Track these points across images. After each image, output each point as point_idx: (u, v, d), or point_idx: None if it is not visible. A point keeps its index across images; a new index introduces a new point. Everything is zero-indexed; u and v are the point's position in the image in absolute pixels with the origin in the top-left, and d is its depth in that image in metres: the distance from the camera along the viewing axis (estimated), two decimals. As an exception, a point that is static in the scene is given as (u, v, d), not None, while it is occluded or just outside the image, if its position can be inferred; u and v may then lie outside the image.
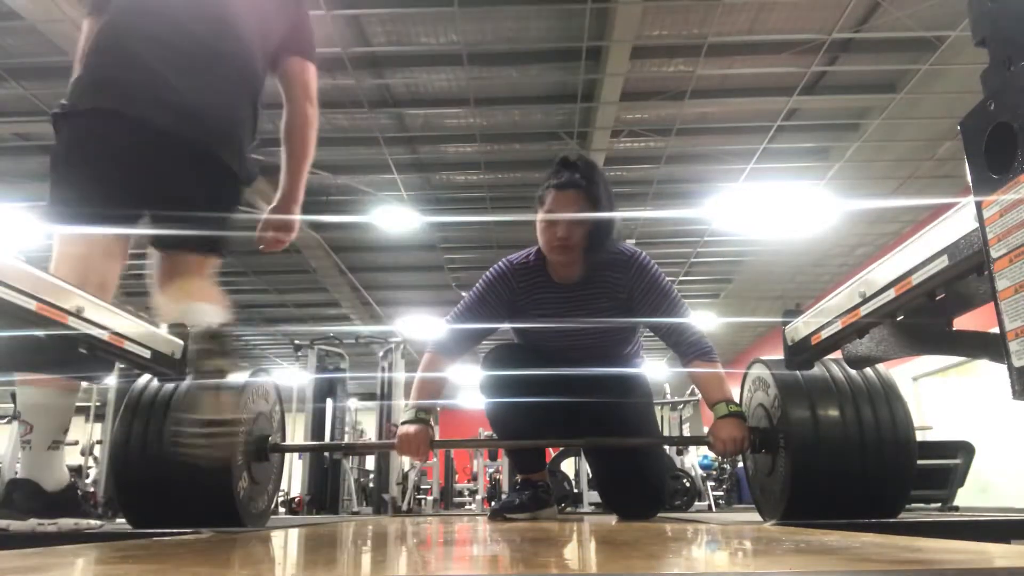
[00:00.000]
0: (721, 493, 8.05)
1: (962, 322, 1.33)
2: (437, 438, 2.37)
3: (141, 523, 2.14)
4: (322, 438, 7.15)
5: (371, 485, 7.80)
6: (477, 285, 2.49)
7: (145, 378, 2.23)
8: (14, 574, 0.87)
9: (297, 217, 2.17)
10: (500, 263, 2.50)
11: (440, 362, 2.42)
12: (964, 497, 5.24)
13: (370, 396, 8.38)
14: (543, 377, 2.44)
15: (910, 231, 7.95)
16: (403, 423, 2.34)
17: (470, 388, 2.54)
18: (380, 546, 1.45)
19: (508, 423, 2.49)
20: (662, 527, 1.99)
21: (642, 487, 2.59)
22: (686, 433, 8.50)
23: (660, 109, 6.55)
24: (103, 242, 1.81)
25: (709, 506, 6.88)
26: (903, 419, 2.06)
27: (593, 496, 7.15)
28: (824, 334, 1.78)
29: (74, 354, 1.51)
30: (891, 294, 1.42)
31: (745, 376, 2.46)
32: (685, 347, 2.35)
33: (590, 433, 2.56)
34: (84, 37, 1.96)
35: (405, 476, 7.12)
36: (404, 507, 6.85)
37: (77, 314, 1.46)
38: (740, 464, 7.53)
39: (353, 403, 8.22)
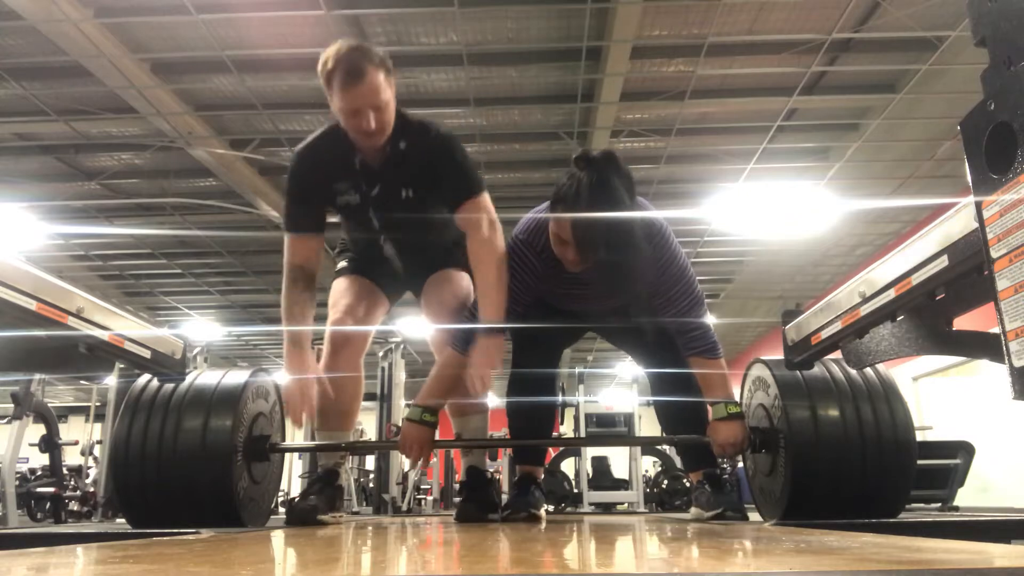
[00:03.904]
0: (723, 493, 8.04)
1: (962, 322, 1.33)
2: (437, 438, 2.34)
3: (141, 523, 2.14)
4: (322, 438, 7.12)
5: (371, 485, 7.80)
6: None
7: (145, 378, 2.24)
8: (14, 574, 0.87)
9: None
10: (513, 244, 2.21)
11: (462, 362, 2.22)
12: (964, 497, 5.24)
13: (370, 396, 8.39)
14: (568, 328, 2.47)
15: (910, 231, 7.95)
16: (407, 420, 2.26)
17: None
18: (380, 546, 1.45)
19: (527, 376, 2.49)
20: (662, 527, 1.99)
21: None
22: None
23: (660, 109, 6.55)
24: None
25: (709, 506, 6.86)
26: (903, 419, 2.07)
27: (593, 496, 7.16)
28: (824, 334, 1.78)
29: (74, 354, 1.51)
30: (891, 294, 1.42)
31: (745, 376, 2.45)
32: (688, 338, 2.19)
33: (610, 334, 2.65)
34: None
35: (405, 476, 7.12)
36: (404, 507, 6.85)
37: (77, 314, 1.46)
38: (740, 464, 7.52)
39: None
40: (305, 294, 2.28)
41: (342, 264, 2.53)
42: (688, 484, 5.93)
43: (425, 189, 2.25)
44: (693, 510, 2.46)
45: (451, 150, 2.21)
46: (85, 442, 7.28)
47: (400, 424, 7.06)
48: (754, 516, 2.58)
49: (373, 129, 2.03)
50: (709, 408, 2.26)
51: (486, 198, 2.22)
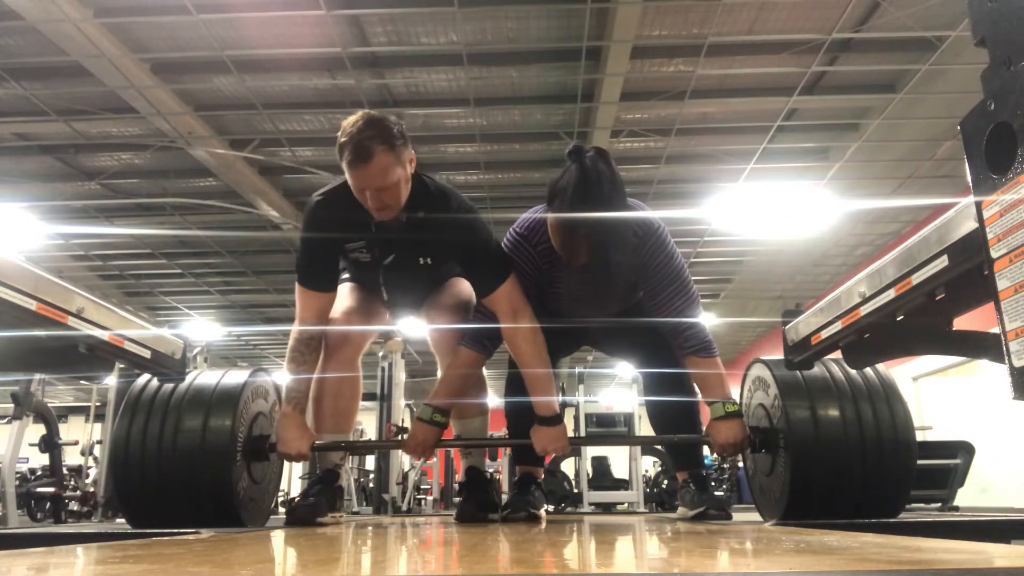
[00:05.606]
0: (721, 493, 8.04)
1: (962, 322, 1.33)
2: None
3: (141, 523, 2.14)
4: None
5: (371, 485, 7.80)
6: None
7: (145, 378, 2.23)
8: (14, 574, 0.87)
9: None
10: (512, 237, 2.24)
11: (476, 360, 2.26)
12: (964, 497, 5.24)
13: (370, 396, 8.40)
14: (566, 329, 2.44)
15: (910, 231, 7.96)
16: (417, 419, 2.28)
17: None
18: (380, 546, 1.45)
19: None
20: (662, 527, 1.99)
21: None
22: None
23: (660, 109, 6.55)
24: None
25: (709, 506, 6.86)
26: (903, 419, 2.07)
27: (593, 496, 7.16)
28: (824, 334, 1.78)
29: (74, 354, 1.51)
30: (891, 294, 1.42)
31: (745, 376, 2.46)
32: (683, 338, 2.22)
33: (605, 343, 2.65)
34: None
35: (405, 476, 7.12)
36: (404, 507, 6.86)
37: (77, 314, 1.46)
38: (740, 464, 7.53)
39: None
40: (311, 357, 2.26)
41: (346, 274, 2.55)
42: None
43: (444, 259, 2.33)
44: (680, 509, 2.49)
45: (476, 234, 2.18)
46: (85, 442, 7.27)
47: (400, 424, 7.08)
48: (754, 516, 2.58)
49: (377, 208, 2.03)
50: (707, 407, 2.27)
51: (511, 282, 2.19)
